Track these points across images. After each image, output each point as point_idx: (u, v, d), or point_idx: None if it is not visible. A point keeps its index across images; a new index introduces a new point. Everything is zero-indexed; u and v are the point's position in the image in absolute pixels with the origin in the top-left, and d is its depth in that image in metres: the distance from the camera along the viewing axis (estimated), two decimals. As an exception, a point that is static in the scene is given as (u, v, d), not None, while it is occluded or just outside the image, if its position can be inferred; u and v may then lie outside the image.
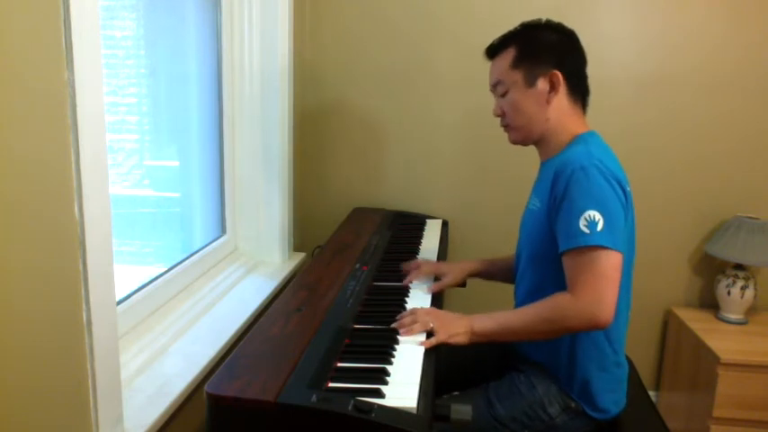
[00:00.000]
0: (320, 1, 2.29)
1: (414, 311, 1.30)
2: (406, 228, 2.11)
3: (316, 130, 2.39)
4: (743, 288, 2.14)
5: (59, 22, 0.89)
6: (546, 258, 1.30)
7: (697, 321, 2.20)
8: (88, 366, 1.00)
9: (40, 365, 0.91)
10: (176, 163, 1.78)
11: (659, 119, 2.25)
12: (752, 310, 2.24)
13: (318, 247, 1.90)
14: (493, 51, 1.42)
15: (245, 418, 0.98)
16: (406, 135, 2.36)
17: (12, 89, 0.82)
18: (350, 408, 0.94)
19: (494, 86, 1.42)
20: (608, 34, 2.20)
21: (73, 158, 0.93)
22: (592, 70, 2.20)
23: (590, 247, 1.17)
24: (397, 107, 2.34)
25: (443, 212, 2.35)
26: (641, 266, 2.32)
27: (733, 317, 2.19)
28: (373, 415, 0.94)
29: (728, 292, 2.16)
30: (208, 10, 1.87)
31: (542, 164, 1.44)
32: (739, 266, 2.17)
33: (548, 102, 1.34)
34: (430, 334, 1.25)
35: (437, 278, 1.58)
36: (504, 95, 1.39)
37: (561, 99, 1.34)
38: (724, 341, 2.05)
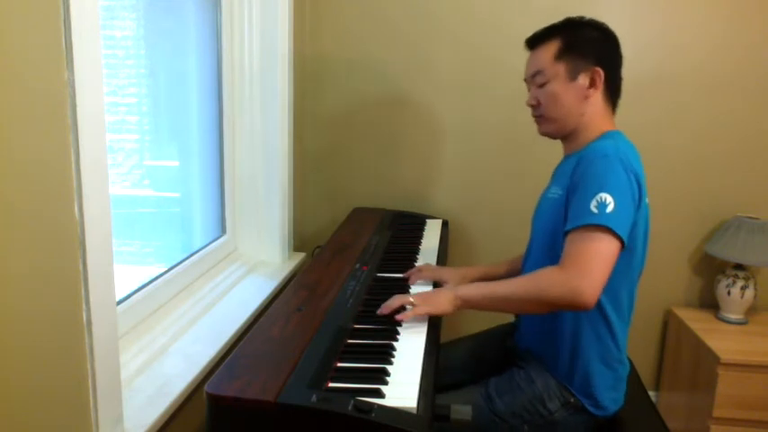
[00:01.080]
0: (320, 1, 2.29)
1: (398, 295, 1.35)
2: (406, 228, 2.11)
3: (315, 130, 2.39)
4: (743, 288, 2.14)
5: (59, 22, 0.89)
6: (561, 244, 1.28)
7: (697, 321, 2.20)
8: (88, 366, 1.00)
9: (40, 365, 0.91)
10: (176, 163, 1.78)
11: (659, 119, 2.25)
12: (752, 310, 2.24)
13: (318, 247, 1.90)
14: (535, 41, 1.42)
15: (245, 418, 0.98)
16: (406, 135, 2.36)
17: (12, 89, 0.82)
18: (350, 408, 0.94)
19: (532, 76, 1.41)
20: (608, 34, 2.20)
21: (73, 158, 0.93)
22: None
23: (594, 225, 1.18)
24: (398, 107, 2.34)
25: (443, 212, 2.35)
26: (641, 266, 2.34)
27: (733, 317, 2.19)
28: (373, 415, 0.94)
29: (728, 292, 2.16)
30: (208, 10, 1.87)
31: (564, 159, 1.45)
32: (739, 266, 2.17)
33: (586, 97, 1.35)
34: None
35: (437, 284, 1.57)
36: (542, 86, 1.38)
37: (598, 96, 1.36)
38: (724, 341, 2.05)
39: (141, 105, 1.54)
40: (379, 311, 1.32)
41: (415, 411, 0.99)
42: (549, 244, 1.36)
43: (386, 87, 2.32)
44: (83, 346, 0.99)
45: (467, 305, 1.31)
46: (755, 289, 2.16)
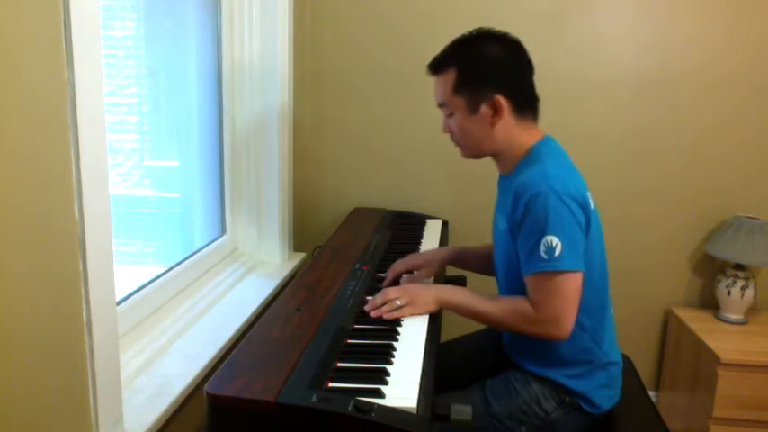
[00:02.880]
0: (320, 2, 2.29)
1: (385, 292, 1.36)
2: (406, 228, 2.11)
3: (315, 130, 2.39)
4: (743, 288, 2.14)
5: (59, 22, 0.89)
6: (518, 273, 1.30)
7: (697, 321, 2.20)
8: (88, 366, 1.00)
9: (40, 365, 0.91)
10: (176, 163, 1.78)
11: (659, 120, 2.25)
12: (752, 310, 2.24)
13: (318, 247, 1.90)
14: (435, 68, 1.39)
15: (244, 418, 0.98)
16: (407, 135, 2.36)
17: (12, 89, 0.82)
18: (350, 408, 0.94)
19: (439, 106, 1.40)
20: (607, 35, 2.21)
21: (73, 158, 0.93)
22: (591, 71, 2.22)
23: (549, 272, 1.20)
24: (397, 107, 2.34)
25: (443, 212, 2.35)
26: (641, 266, 2.34)
27: (733, 317, 2.19)
28: (373, 415, 0.94)
29: (728, 292, 2.16)
30: (208, 10, 1.87)
31: (502, 178, 1.44)
32: (739, 266, 2.17)
33: (492, 125, 1.32)
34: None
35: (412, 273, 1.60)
36: (450, 116, 1.38)
37: (507, 119, 1.32)
38: (724, 341, 2.05)
39: (141, 105, 1.54)
40: (366, 308, 1.34)
41: (415, 411, 0.99)
42: (507, 269, 1.38)
43: (385, 87, 2.32)
44: (83, 346, 0.99)
45: (447, 308, 1.35)
46: (755, 289, 2.16)
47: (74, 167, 0.94)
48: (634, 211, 2.31)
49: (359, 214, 2.26)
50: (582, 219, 1.23)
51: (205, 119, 1.89)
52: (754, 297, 2.17)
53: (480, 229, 2.37)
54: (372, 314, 1.31)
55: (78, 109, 0.93)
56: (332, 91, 2.36)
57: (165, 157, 1.74)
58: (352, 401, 0.95)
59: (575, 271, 1.21)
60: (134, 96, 1.52)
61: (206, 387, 0.99)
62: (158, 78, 1.62)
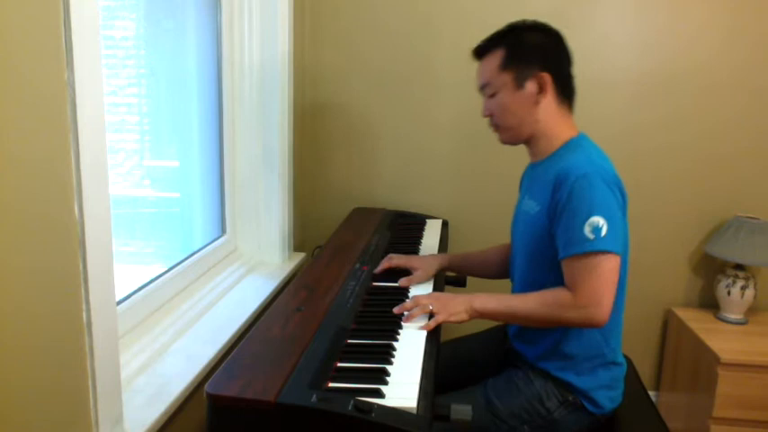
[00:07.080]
0: (320, 1, 2.29)
1: (415, 298, 1.35)
2: (406, 228, 2.11)
3: (315, 130, 2.39)
4: (743, 288, 2.14)
5: (59, 22, 0.89)
6: (545, 258, 1.31)
7: (697, 321, 2.20)
8: (88, 366, 1.00)
9: (40, 365, 0.91)
10: (176, 163, 1.78)
11: (660, 120, 2.25)
12: (752, 310, 2.24)
13: (318, 247, 1.90)
14: (481, 52, 1.42)
15: (245, 418, 0.98)
16: (407, 135, 2.36)
17: (12, 89, 0.82)
18: (350, 408, 0.94)
19: (482, 88, 1.43)
20: (608, 35, 2.21)
21: (73, 158, 0.93)
22: (592, 71, 2.22)
23: (594, 252, 1.20)
24: (397, 107, 2.34)
25: (443, 212, 2.35)
26: (641, 267, 2.34)
27: (733, 317, 2.20)
28: (373, 415, 0.94)
29: (728, 292, 2.17)
30: (208, 10, 1.87)
31: (533, 165, 1.45)
32: (739, 266, 2.17)
33: (536, 103, 1.35)
34: (431, 317, 1.30)
35: (437, 281, 1.58)
36: (492, 96, 1.40)
37: (549, 100, 1.36)
38: (724, 341, 2.05)
39: (141, 105, 1.54)
40: (396, 310, 1.32)
41: (415, 411, 0.99)
42: (531, 255, 1.37)
43: (385, 87, 2.33)
44: (83, 346, 0.99)
45: (481, 316, 1.33)
46: (755, 289, 2.16)
47: (74, 167, 0.94)
48: (634, 211, 2.29)
49: (359, 214, 2.26)
50: (621, 203, 1.26)
51: (205, 119, 1.89)
52: (754, 297, 2.17)
53: (480, 229, 2.38)
54: (403, 318, 1.30)
55: (78, 109, 0.93)
56: (332, 91, 2.36)
57: (165, 157, 1.74)
58: (352, 401, 0.95)
59: (616, 253, 1.21)
60: (134, 96, 1.52)
61: (206, 387, 0.99)
62: (158, 78, 1.62)
